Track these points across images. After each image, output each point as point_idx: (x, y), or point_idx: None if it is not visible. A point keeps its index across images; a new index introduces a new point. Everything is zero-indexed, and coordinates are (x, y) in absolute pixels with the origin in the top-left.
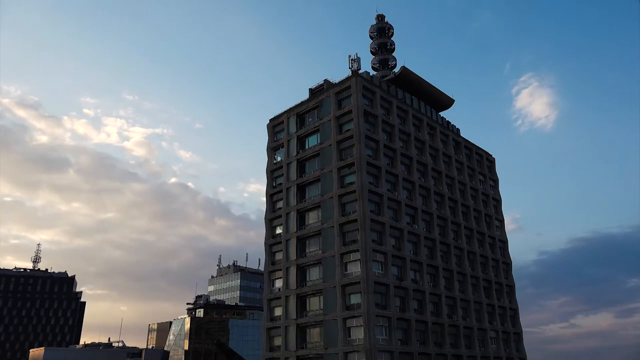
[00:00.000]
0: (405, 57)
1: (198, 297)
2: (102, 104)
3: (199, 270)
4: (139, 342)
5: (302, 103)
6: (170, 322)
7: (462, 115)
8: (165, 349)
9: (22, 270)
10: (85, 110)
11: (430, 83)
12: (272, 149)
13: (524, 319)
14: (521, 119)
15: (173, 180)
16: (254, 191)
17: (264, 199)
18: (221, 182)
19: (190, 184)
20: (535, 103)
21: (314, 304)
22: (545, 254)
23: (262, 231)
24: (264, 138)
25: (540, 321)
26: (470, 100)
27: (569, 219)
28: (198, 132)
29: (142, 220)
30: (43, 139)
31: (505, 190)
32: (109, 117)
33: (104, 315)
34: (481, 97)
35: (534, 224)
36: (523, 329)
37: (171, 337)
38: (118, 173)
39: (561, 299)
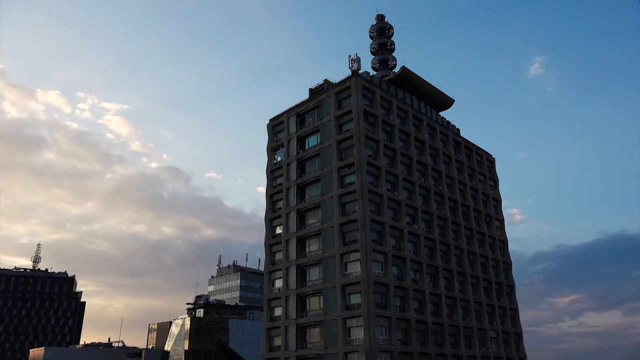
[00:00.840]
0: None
1: (198, 297)
2: (75, 78)
3: (194, 266)
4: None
5: (302, 103)
6: (170, 322)
7: (462, 116)
8: (165, 349)
9: (22, 270)
10: (56, 83)
11: (430, 83)
12: (272, 149)
13: (530, 315)
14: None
15: (157, 164)
16: (248, 181)
17: (261, 189)
18: (212, 168)
19: (178, 167)
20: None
21: (314, 304)
22: (562, 247)
23: (254, 219)
24: (264, 138)
25: (547, 319)
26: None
27: (589, 213)
28: (199, 134)
29: (130, 209)
30: (13, 112)
31: (520, 176)
32: (82, 92)
33: (98, 312)
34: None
35: (551, 215)
36: (530, 328)
37: (171, 337)
38: (99, 155)
39: (572, 295)
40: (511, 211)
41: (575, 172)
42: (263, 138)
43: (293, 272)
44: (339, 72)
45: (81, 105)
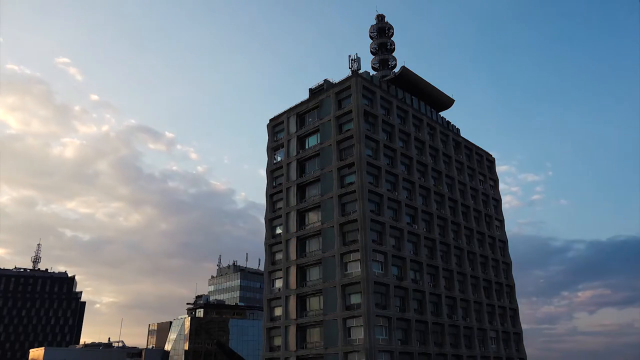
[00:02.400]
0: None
1: (198, 297)
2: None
3: (171, 258)
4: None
5: (302, 103)
6: (170, 322)
7: (462, 115)
8: (165, 349)
9: (22, 270)
10: None
11: (430, 83)
12: (272, 149)
13: (542, 311)
14: None
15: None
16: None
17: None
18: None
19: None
20: None
21: (314, 304)
22: (597, 243)
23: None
24: (264, 138)
25: (558, 315)
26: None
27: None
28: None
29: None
30: None
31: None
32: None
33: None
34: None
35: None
36: (536, 326)
37: (171, 337)
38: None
39: (591, 290)
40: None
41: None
42: (264, 139)
43: (293, 272)
44: (339, 72)
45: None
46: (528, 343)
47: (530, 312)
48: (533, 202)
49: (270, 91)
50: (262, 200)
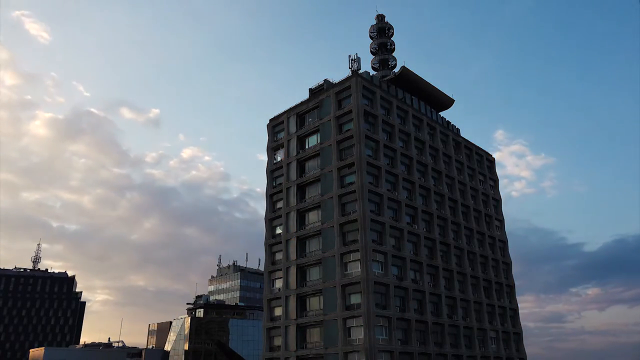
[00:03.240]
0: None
1: (198, 297)
2: None
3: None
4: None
5: (302, 103)
6: (170, 322)
7: (462, 115)
8: (165, 349)
9: (22, 270)
10: None
11: (430, 83)
12: (272, 149)
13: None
14: None
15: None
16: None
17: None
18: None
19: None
20: None
21: (314, 304)
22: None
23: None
24: (264, 138)
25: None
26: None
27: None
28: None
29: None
30: None
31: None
32: None
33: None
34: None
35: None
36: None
37: (171, 337)
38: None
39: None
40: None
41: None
42: (263, 138)
43: (293, 272)
44: (339, 72)
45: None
46: (534, 341)
47: (538, 310)
48: (543, 190)
49: (270, 91)
50: (258, 185)
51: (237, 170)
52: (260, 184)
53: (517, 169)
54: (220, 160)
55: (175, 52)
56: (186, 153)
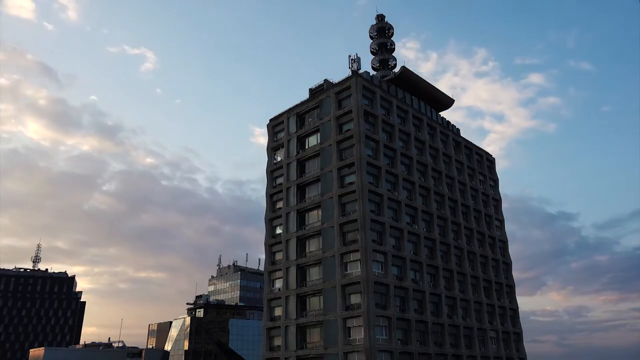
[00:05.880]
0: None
1: (198, 297)
2: None
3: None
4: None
5: (302, 103)
6: (170, 322)
7: (462, 115)
8: (165, 349)
9: (22, 270)
10: None
11: (430, 83)
12: (272, 149)
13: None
14: None
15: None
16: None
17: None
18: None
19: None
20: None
21: (314, 304)
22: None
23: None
24: (264, 138)
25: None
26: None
27: None
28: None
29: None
30: None
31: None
32: None
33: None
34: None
35: None
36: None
37: (171, 337)
38: None
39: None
40: None
41: None
42: (264, 140)
43: (293, 272)
44: (339, 72)
45: None
46: (547, 337)
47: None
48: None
49: (270, 91)
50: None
51: (234, 170)
52: (259, 184)
53: None
54: (215, 160)
55: (176, 52)
56: (186, 153)
